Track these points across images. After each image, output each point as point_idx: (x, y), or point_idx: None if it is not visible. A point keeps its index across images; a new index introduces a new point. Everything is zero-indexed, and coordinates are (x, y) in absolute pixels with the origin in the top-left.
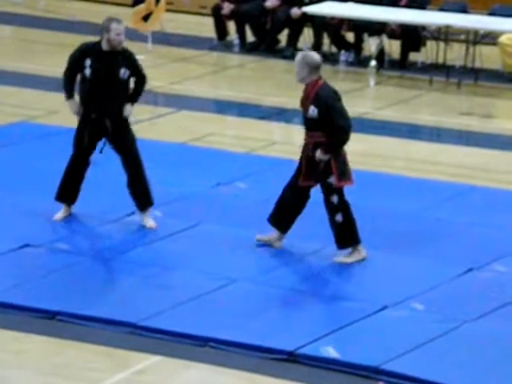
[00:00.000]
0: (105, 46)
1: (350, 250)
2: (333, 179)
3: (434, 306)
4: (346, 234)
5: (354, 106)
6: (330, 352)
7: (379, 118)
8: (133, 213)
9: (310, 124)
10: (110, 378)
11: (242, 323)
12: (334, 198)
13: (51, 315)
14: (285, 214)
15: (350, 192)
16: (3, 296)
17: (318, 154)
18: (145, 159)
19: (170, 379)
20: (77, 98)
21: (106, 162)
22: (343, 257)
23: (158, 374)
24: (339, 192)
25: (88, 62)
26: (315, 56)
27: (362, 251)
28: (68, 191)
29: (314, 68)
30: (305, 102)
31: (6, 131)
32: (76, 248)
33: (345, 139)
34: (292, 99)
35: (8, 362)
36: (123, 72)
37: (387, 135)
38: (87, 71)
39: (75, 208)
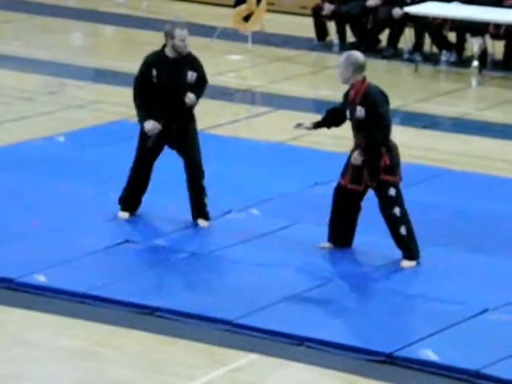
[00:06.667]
0: (170, 53)
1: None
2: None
3: None
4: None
5: (456, 106)
6: (429, 355)
7: (481, 118)
8: (229, 211)
9: (356, 125)
10: (206, 375)
11: (339, 323)
12: (392, 191)
13: (150, 311)
14: (339, 228)
15: (452, 195)
16: (104, 291)
17: (355, 155)
18: (241, 158)
19: (266, 378)
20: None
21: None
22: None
23: (254, 373)
24: (395, 186)
25: (154, 71)
26: (359, 55)
27: None
28: (131, 198)
29: (358, 68)
30: (351, 104)
31: (108, 129)
32: (175, 245)
33: (383, 140)
34: (391, 99)
35: (107, 357)
36: (190, 75)
37: (489, 136)
38: (155, 80)
39: (172, 207)
